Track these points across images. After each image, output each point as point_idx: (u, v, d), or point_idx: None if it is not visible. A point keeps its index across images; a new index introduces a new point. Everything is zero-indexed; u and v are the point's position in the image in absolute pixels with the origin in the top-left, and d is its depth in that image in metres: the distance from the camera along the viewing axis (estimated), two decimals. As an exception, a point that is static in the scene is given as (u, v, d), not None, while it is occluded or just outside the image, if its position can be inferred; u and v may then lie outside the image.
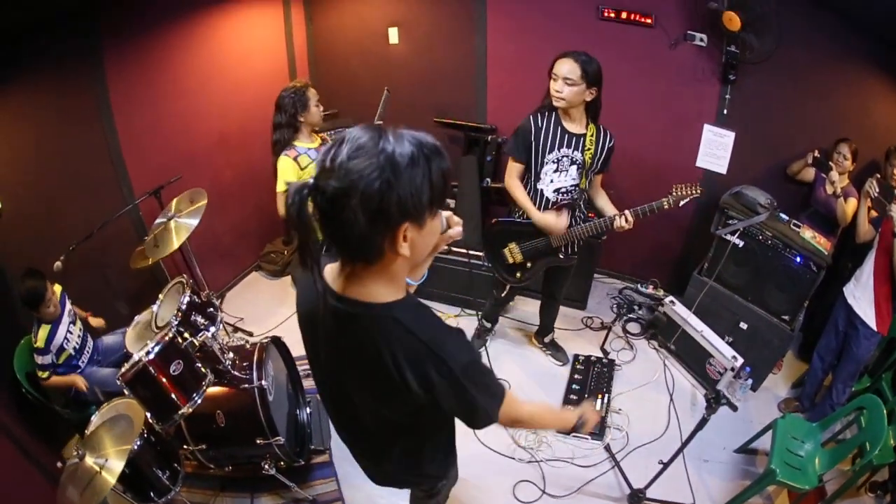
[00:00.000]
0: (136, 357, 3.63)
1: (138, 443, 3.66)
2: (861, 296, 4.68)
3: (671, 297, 4.98)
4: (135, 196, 5.48)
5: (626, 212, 4.42)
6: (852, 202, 4.98)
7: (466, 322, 6.24)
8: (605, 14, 5.69)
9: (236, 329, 6.34)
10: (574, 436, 5.05)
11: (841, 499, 4.26)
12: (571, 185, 4.67)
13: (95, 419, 3.98)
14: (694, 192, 4.34)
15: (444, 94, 6.88)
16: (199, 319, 4.22)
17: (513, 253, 4.94)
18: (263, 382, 4.07)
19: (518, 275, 5.05)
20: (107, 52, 5.07)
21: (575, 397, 5.33)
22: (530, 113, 4.56)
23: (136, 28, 5.32)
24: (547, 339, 5.98)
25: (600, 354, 5.94)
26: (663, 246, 6.65)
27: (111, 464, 3.40)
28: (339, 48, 7.25)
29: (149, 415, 3.76)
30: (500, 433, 5.07)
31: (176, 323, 3.92)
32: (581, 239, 4.78)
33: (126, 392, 3.72)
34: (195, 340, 3.95)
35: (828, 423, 4.46)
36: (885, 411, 3.96)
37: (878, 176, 4.73)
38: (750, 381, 4.06)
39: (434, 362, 1.92)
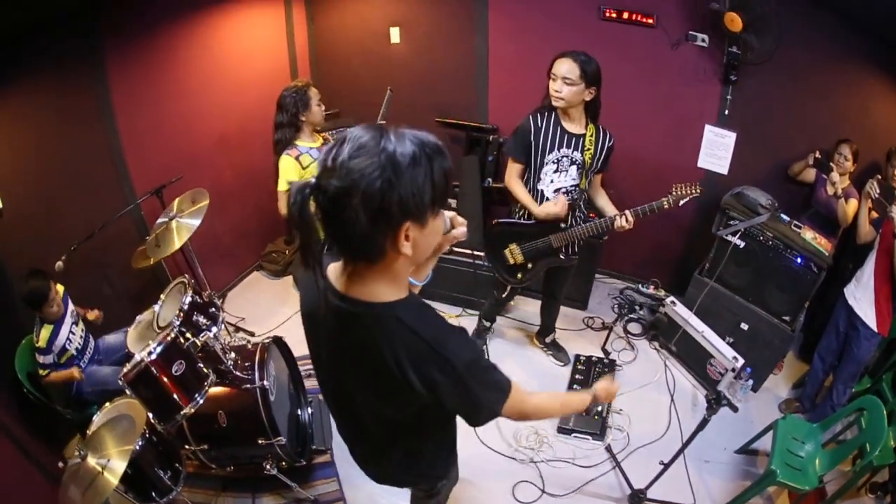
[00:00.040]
0: (138, 357, 3.64)
1: (140, 443, 3.65)
2: (862, 297, 4.68)
3: (672, 298, 4.99)
4: (136, 196, 5.49)
5: (627, 212, 4.42)
6: (853, 203, 4.98)
7: (468, 322, 6.23)
8: (607, 14, 5.68)
9: (238, 329, 6.34)
10: (575, 436, 5.07)
11: (841, 499, 4.25)
12: (571, 186, 4.67)
13: (97, 419, 3.98)
14: (693, 191, 4.34)
15: (446, 94, 6.88)
16: (201, 319, 4.22)
17: (514, 254, 4.95)
18: (265, 383, 4.07)
19: (519, 275, 5.05)
20: (108, 51, 5.08)
21: (576, 397, 5.31)
22: (529, 113, 4.57)
23: (138, 28, 5.32)
24: (548, 340, 5.98)
25: (601, 355, 5.93)
26: (664, 246, 6.65)
27: (113, 464, 3.40)
28: (341, 48, 7.25)
29: (151, 415, 3.76)
30: (501, 433, 5.09)
31: (178, 323, 3.92)
32: (581, 239, 4.78)
33: (128, 392, 3.72)
34: (197, 341, 3.95)
35: (828, 423, 4.46)
36: (885, 412, 3.96)
37: (879, 177, 4.72)
38: (750, 382, 4.07)
39: (437, 361, 1.92)
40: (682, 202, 4.37)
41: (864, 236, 4.84)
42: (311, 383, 5.09)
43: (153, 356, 3.63)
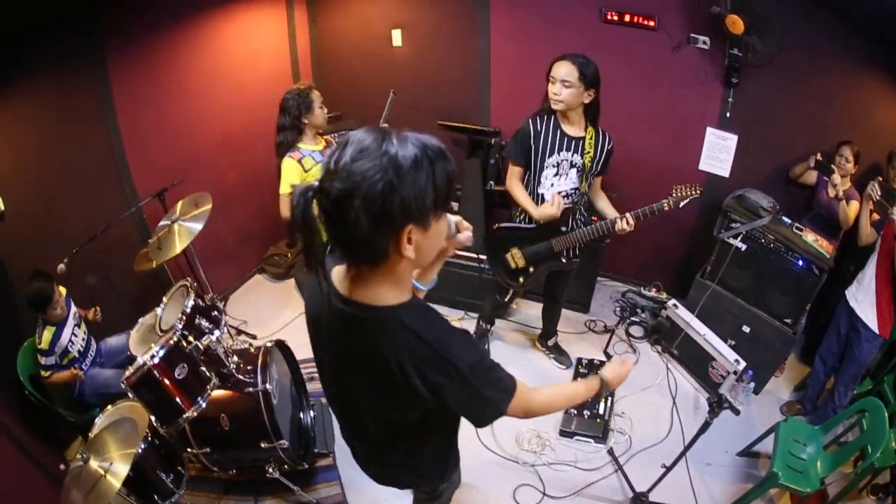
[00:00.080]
0: (140, 361, 3.64)
1: (142, 446, 3.65)
2: (863, 299, 4.68)
3: (674, 301, 4.99)
4: (138, 198, 5.49)
5: (627, 214, 4.42)
6: (854, 205, 4.99)
7: (469, 325, 6.21)
8: (608, 17, 5.68)
9: (240, 332, 6.34)
10: (577, 439, 5.07)
11: (843, 501, 4.24)
12: (572, 189, 4.68)
13: (99, 422, 3.99)
14: (694, 192, 4.34)
15: (448, 97, 6.88)
16: (204, 323, 4.21)
17: (515, 258, 4.95)
18: (268, 386, 4.07)
19: (521, 279, 5.05)
20: (110, 52, 5.09)
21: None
22: (529, 116, 4.58)
23: (140, 29, 5.33)
24: (550, 343, 5.98)
25: (603, 358, 5.93)
26: (666, 249, 6.66)
27: (116, 467, 3.42)
28: (343, 50, 7.26)
29: (153, 418, 3.77)
30: (503, 436, 5.08)
31: (180, 327, 3.92)
32: (582, 242, 4.78)
33: (130, 395, 3.72)
34: (200, 344, 3.95)
35: (830, 425, 4.46)
36: (886, 414, 3.97)
37: (881, 179, 4.72)
38: (752, 385, 4.08)
39: (440, 364, 1.93)
40: (682, 203, 4.37)
41: (866, 238, 4.84)
42: (313, 386, 5.10)
43: (156, 359, 3.63)
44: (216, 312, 4.47)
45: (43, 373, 4.40)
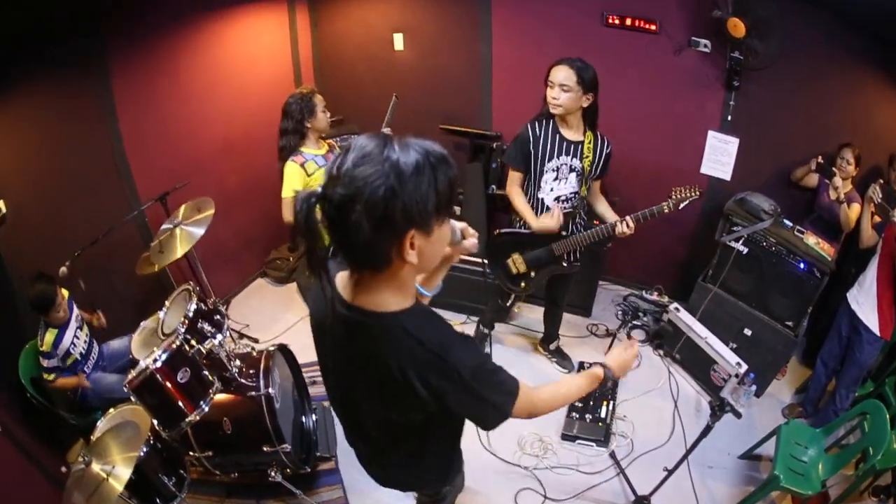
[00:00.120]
0: (143, 364, 3.63)
1: (144, 449, 3.67)
2: (864, 301, 4.68)
3: (676, 304, 4.99)
4: (140, 201, 5.51)
5: (627, 217, 4.44)
6: (856, 207, 5.00)
7: (472, 329, 6.21)
8: (610, 21, 5.69)
9: (242, 336, 6.34)
10: (579, 442, 5.07)
11: (844, 503, 4.26)
12: (571, 193, 4.69)
13: (101, 425, 4.00)
14: (693, 193, 4.35)
15: (450, 101, 6.89)
16: (206, 327, 4.21)
17: (516, 263, 4.96)
18: (271, 390, 4.08)
19: (522, 284, 5.07)
20: (111, 55, 5.10)
21: (580, 404, 5.31)
22: (528, 121, 4.59)
23: (142, 32, 5.35)
24: (552, 347, 5.98)
25: (610, 383, 5.91)
26: (668, 253, 6.66)
27: (118, 471, 3.42)
28: (345, 54, 7.27)
29: (155, 422, 3.77)
30: (506, 439, 5.08)
31: (183, 330, 3.92)
32: (583, 246, 4.79)
33: (133, 399, 3.73)
34: (202, 348, 3.96)
35: (831, 428, 4.46)
36: (887, 416, 3.97)
37: (881, 181, 4.73)
38: (754, 388, 4.07)
39: (442, 370, 1.94)
40: (682, 205, 4.38)
41: (867, 241, 4.84)
42: (315, 390, 5.10)
43: (158, 363, 3.63)
44: (219, 316, 4.46)
45: (46, 376, 4.41)
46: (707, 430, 3.98)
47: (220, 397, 4.03)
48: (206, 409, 3.86)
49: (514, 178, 4.72)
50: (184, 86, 5.91)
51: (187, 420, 3.77)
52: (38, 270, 4.40)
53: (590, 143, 4.52)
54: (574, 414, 5.23)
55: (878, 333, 4.60)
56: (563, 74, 4.22)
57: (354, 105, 7.25)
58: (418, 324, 1.96)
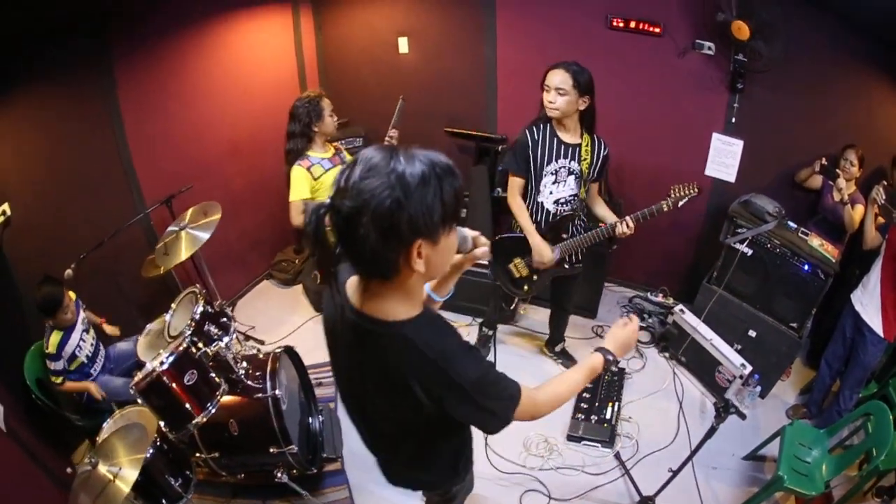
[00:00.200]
0: (149, 367, 3.66)
1: (150, 450, 3.67)
2: (868, 303, 4.68)
3: (681, 306, 4.99)
4: (146, 204, 5.53)
5: (627, 218, 4.46)
6: (859, 209, 5.00)
7: (476, 330, 6.26)
8: (614, 23, 5.70)
9: (248, 337, 6.35)
10: (585, 443, 5.08)
11: (847, 504, 4.28)
12: (570, 196, 4.71)
13: (107, 427, 4.00)
14: (691, 191, 4.37)
15: (455, 104, 6.89)
16: (213, 329, 4.24)
17: (518, 267, 4.98)
18: (277, 392, 4.09)
19: (525, 287, 5.09)
20: (117, 59, 5.12)
21: (585, 405, 5.33)
22: (525, 126, 4.62)
23: (147, 36, 5.36)
24: (558, 349, 5.99)
25: (614, 366, 5.90)
26: (673, 254, 6.67)
27: (125, 472, 3.41)
28: (349, 57, 7.28)
29: (162, 424, 3.79)
30: (511, 441, 5.10)
31: (189, 333, 3.94)
32: (584, 248, 4.82)
33: (139, 401, 3.75)
34: (209, 350, 3.98)
35: (835, 429, 4.47)
36: (891, 417, 3.97)
37: (885, 183, 4.74)
38: (758, 389, 4.07)
39: (444, 380, 1.97)
40: (681, 203, 4.40)
41: (871, 242, 4.85)
42: (321, 392, 5.13)
43: (165, 366, 3.65)
44: (225, 319, 4.49)
45: (54, 378, 4.42)
46: (712, 432, 3.98)
47: (227, 399, 4.04)
48: (213, 410, 3.87)
49: (515, 184, 4.74)
50: (189, 89, 5.92)
51: (194, 422, 3.79)
52: (45, 273, 4.42)
53: (587, 145, 4.55)
54: (579, 415, 5.25)
55: (881, 335, 4.60)
56: (559, 78, 4.25)
57: (359, 108, 7.26)
58: (424, 333, 1.98)
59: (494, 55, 6.43)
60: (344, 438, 4.98)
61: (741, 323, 5.43)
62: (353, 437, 4.55)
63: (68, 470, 4.63)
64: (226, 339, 4.20)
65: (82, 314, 4.67)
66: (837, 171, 5.03)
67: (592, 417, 5.22)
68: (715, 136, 5.79)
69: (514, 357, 6.12)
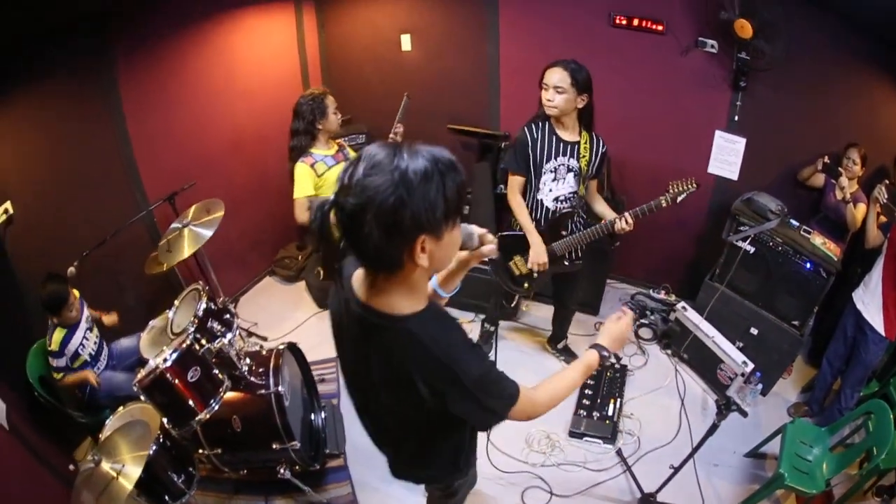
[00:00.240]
0: (153, 364, 3.65)
1: (154, 447, 3.67)
2: (870, 301, 4.69)
3: (683, 303, 5.00)
4: (149, 202, 5.54)
5: (626, 213, 4.46)
6: (861, 207, 5.00)
7: (478, 325, 6.29)
8: (617, 21, 5.69)
9: (250, 334, 6.38)
10: (587, 440, 5.10)
11: (848, 503, 4.27)
12: (570, 193, 4.73)
13: (110, 424, 4.01)
14: (689, 186, 4.36)
15: (458, 101, 6.90)
16: (216, 326, 4.23)
17: (518, 265, 4.99)
18: (280, 388, 4.10)
19: (525, 285, 5.10)
20: (119, 57, 5.13)
21: (587, 402, 5.34)
22: (524, 125, 4.63)
23: (149, 34, 5.37)
24: (560, 346, 6.01)
25: (612, 359, 5.91)
26: (675, 252, 6.67)
27: (128, 469, 3.43)
28: (352, 55, 7.29)
29: (166, 420, 3.79)
30: (513, 437, 5.11)
31: (192, 330, 3.94)
32: (583, 244, 4.82)
33: (142, 398, 3.76)
34: (212, 347, 3.97)
35: (836, 427, 4.48)
36: (892, 416, 3.97)
37: (888, 182, 4.75)
38: (760, 386, 4.07)
39: (446, 375, 1.99)
40: (679, 198, 4.40)
41: (873, 241, 4.86)
42: (324, 388, 5.14)
43: (169, 363, 3.65)
44: (228, 315, 4.49)
45: (55, 375, 4.43)
46: (713, 429, 4.00)
47: (230, 395, 4.04)
48: (216, 407, 3.87)
49: (515, 183, 4.75)
50: (191, 87, 5.93)
51: (198, 418, 3.79)
52: (49, 271, 4.42)
53: (586, 143, 4.57)
54: (581, 411, 5.26)
55: (883, 334, 4.61)
56: (557, 76, 4.27)
57: (362, 106, 7.26)
58: (428, 328, 2.00)
59: (497, 53, 6.43)
60: (346, 434, 5.00)
61: (743, 320, 5.44)
62: (355, 433, 4.58)
63: (71, 467, 4.63)
64: (229, 336, 4.18)
65: (86, 312, 4.68)
66: (840, 169, 5.02)
67: (594, 414, 5.24)
68: (718, 133, 5.78)
69: (516, 353, 6.13)
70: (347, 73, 7.42)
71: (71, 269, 4.61)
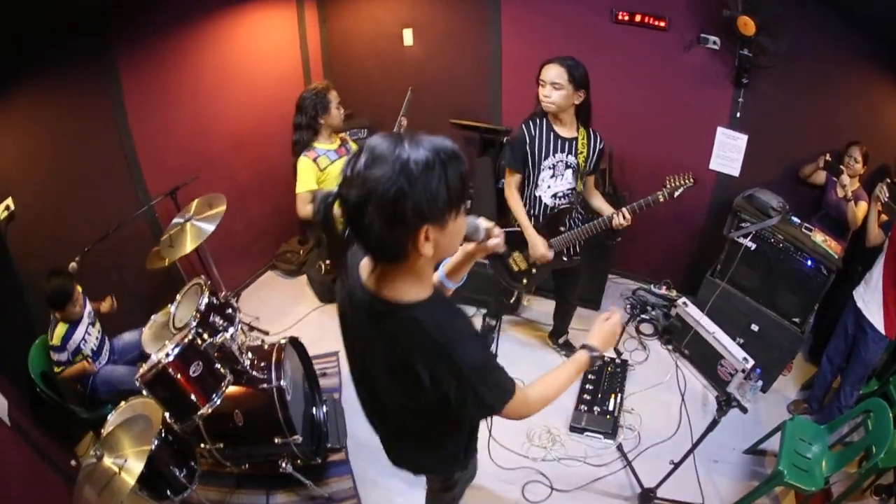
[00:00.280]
0: (155, 358, 3.67)
1: (156, 442, 3.68)
2: (870, 300, 4.69)
3: (684, 299, 5.02)
4: (150, 196, 5.55)
5: (624, 209, 4.47)
6: (862, 206, 5.00)
7: (479, 320, 6.28)
8: (619, 17, 5.68)
9: (252, 328, 6.38)
10: (587, 435, 5.11)
11: (846, 501, 4.28)
12: (568, 189, 4.74)
13: (112, 419, 4.04)
14: (687, 181, 4.36)
15: (460, 96, 6.90)
16: (218, 320, 4.24)
17: (517, 261, 5.02)
18: (282, 382, 4.11)
19: (525, 281, 5.12)
20: (120, 53, 5.13)
21: (588, 397, 5.35)
22: (522, 122, 4.64)
23: (150, 29, 5.37)
24: (561, 340, 6.01)
25: (613, 355, 5.92)
26: (676, 248, 6.67)
27: (130, 464, 3.45)
28: (354, 50, 7.29)
29: (168, 415, 3.81)
30: (514, 431, 5.12)
31: (195, 324, 3.95)
32: (581, 240, 4.84)
33: (145, 392, 3.77)
34: (214, 341, 3.98)
35: (835, 425, 4.48)
36: (891, 415, 3.98)
37: (889, 180, 4.75)
38: (760, 383, 4.10)
39: (446, 362, 2.01)
40: (677, 193, 4.40)
41: (873, 239, 4.87)
42: (325, 382, 5.15)
43: (171, 357, 3.65)
44: (230, 310, 4.48)
45: (56, 369, 4.45)
46: (713, 425, 4.01)
47: (232, 390, 4.05)
48: (218, 401, 3.88)
49: (513, 180, 4.77)
50: (193, 83, 5.93)
51: (200, 413, 3.79)
52: (53, 266, 4.44)
53: (583, 139, 4.58)
54: (582, 406, 5.27)
55: (883, 332, 4.61)
56: (554, 73, 4.28)
57: (364, 100, 7.27)
58: (434, 316, 2.03)
59: (499, 48, 6.43)
60: (348, 428, 5.01)
61: (744, 317, 5.45)
62: (356, 427, 4.60)
63: (73, 463, 4.65)
64: (231, 330, 4.19)
65: (88, 307, 4.69)
66: (841, 167, 5.02)
67: (595, 409, 5.25)
68: (720, 130, 5.78)
69: (517, 347, 6.15)
70: (349, 67, 7.42)
71: (73, 265, 4.62)
